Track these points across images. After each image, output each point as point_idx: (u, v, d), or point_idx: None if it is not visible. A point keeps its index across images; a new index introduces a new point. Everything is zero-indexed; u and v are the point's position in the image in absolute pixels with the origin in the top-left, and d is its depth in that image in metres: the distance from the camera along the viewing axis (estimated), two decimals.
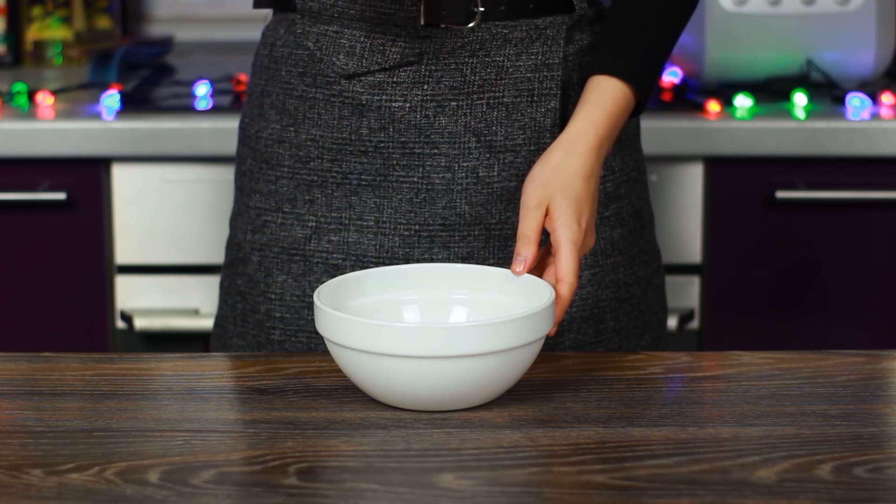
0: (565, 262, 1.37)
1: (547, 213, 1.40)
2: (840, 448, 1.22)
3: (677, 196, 2.19)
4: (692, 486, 1.14)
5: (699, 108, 2.23)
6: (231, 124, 2.13)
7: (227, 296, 1.66)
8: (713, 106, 2.23)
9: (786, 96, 2.29)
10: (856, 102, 2.25)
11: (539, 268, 1.41)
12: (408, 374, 1.26)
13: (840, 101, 2.27)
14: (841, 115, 2.21)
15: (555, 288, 1.36)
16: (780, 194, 2.19)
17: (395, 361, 1.26)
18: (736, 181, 2.20)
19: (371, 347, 1.26)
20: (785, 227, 2.21)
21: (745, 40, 2.33)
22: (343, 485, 1.16)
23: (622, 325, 1.61)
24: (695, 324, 2.23)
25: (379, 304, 1.41)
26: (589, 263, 1.58)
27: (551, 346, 1.56)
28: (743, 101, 2.26)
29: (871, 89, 2.32)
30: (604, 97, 1.47)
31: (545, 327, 1.31)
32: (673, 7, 1.53)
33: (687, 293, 2.23)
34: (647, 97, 1.51)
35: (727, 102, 2.25)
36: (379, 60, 1.53)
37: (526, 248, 1.39)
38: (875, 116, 2.20)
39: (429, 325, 1.31)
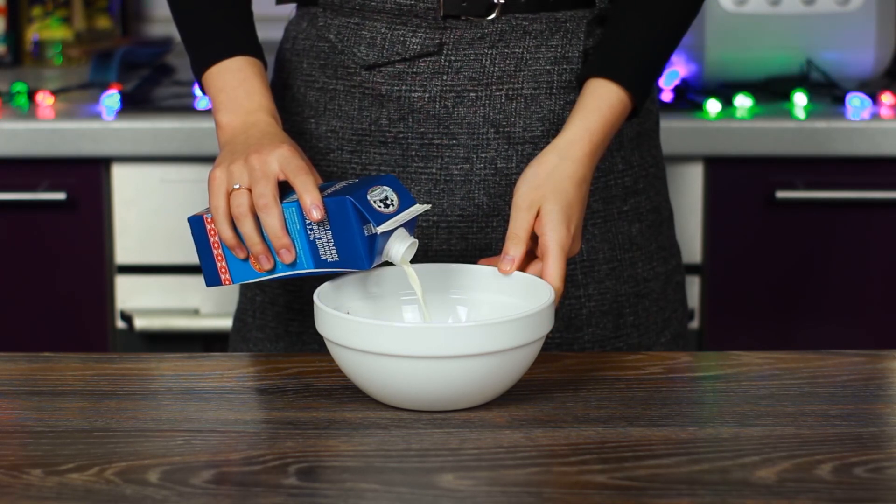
0: (553, 267, 1.38)
1: (537, 216, 1.41)
2: (840, 448, 1.21)
3: (677, 196, 2.19)
4: (692, 486, 1.14)
5: (699, 108, 2.23)
6: None
7: (246, 289, 1.68)
8: (713, 106, 2.23)
9: (786, 96, 2.29)
10: (856, 102, 2.25)
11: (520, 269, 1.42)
12: (408, 374, 1.26)
13: (840, 101, 2.27)
14: (841, 115, 2.21)
15: None
16: (780, 194, 2.19)
17: (395, 361, 1.26)
18: (736, 181, 2.20)
19: (371, 347, 1.26)
20: (785, 227, 2.21)
21: (745, 40, 2.33)
22: (343, 485, 1.16)
23: (641, 321, 1.62)
24: (695, 324, 2.23)
25: (379, 304, 1.41)
26: (607, 258, 1.59)
27: (571, 340, 1.56)
28: (743, 101, 2.26)
29: (871, 89, 2.32)
30: (600, 103, 1.48)
31: (545, 327, 1.30)
32: (675, 14, 1.54)
33: (687, 293, 2.22)
34: (643, 103, 1.52)
35: (727, 102, 2.25)
36: (399, 51, 1.54)
37: (515, 248, 1.39)
38: (875, 116, 2.20)
39: (429, 325, 1.31)
